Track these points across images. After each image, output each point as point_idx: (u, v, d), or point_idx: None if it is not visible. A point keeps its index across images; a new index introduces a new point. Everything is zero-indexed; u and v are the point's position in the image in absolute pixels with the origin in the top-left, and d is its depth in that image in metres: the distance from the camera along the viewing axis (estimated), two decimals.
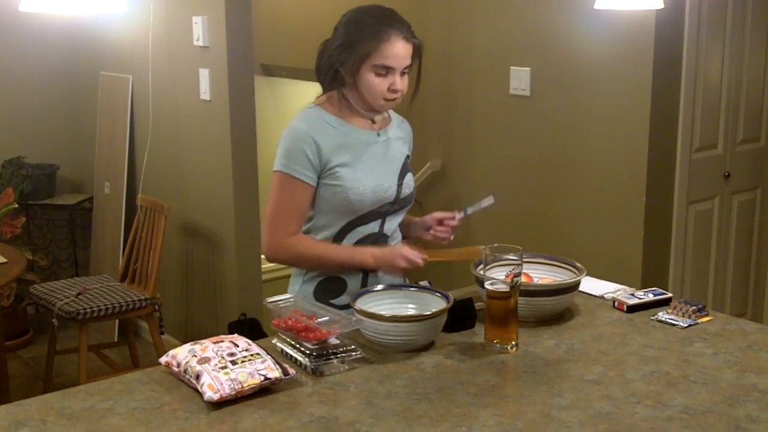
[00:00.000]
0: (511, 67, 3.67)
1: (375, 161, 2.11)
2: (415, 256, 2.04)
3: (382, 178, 2.10)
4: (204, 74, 3.74)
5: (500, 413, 1.57)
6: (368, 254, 2.07)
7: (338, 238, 2.11)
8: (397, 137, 2.20)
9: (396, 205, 2.14)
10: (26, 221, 4.38)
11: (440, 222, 2.19)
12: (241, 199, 3.75)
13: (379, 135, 2.15)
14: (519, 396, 1.65)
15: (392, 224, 2.16)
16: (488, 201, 2.16)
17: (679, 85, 3.37)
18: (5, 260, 3.34)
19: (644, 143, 3.27)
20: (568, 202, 3.56)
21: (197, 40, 3.73)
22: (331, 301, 2.10)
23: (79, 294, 3.62)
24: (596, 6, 2.47)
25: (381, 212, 2.12)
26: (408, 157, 2.22)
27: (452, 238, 2.19)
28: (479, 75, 3.86)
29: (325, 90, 2.15)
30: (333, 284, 2.12)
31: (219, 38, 3.63)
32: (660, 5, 2.51)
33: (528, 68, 3.61)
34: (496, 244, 1.89)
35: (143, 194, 4.03)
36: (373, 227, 2.12)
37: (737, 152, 3.74)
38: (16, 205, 4.12)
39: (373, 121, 2.15)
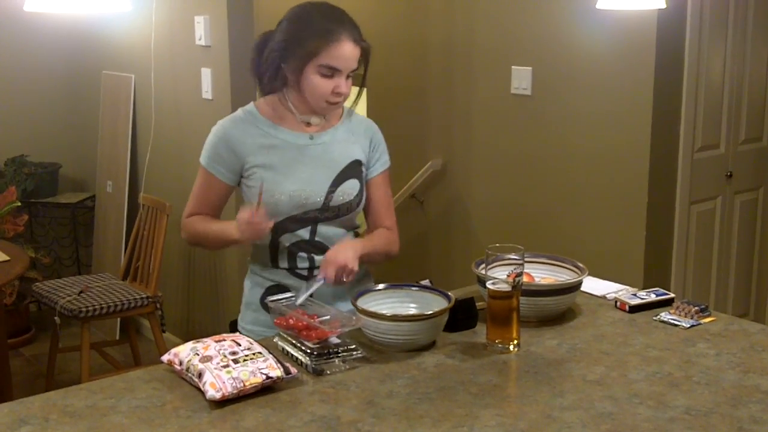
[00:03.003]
0: (513, 67, 3.67)
1: (301, 165, 2.03)
2: (250, 220, 1.90)
3: (305, 183, 2.02)
4: (206, 73, 3.74)
5: (502, 413, 1.57)
6: (233, 229, 1.97)
7: (272, 243, 2.06)
8: (342, 140, 2.10)
9: (327, 212, 2.05)
10: (29, 219, 4.39)
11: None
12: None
13: (312, 138, 2.07)
14: (521, 396, 1.64)
15: (327, 232, 2.07)
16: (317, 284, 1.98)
17: (681, 85, 3.37)
18: (8, 258, 3.34)
19: (646, 143, 3.27)
20: (570, 201, 3.56)
21: (199, 39, 3.73)
22: None
23: (81, 292, 3.63)
24: (598, 6, 2.47)
25: (307, 219, 2.04)
26: (357, 161, 2.09)
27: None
28: (480, 74, 3.85)
29: (260, 86, 2.11)
30: (277, 291, 2.06)
31: (221, 38, 3.63)
32: (662, 5, 2.51)
33: (529, 68, 3.60)
34: (497, 244, 1.89)
35: (145, 193, 4.04)
36: (302, 234, 2.05)
37: (739, 152, 3.73)
38: (19, 204, 4.13)
39: (308, 124, 2.08)
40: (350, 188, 2.07)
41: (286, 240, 2.06)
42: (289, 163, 2.03)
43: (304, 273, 2.07)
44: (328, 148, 2.08)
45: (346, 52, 1.95)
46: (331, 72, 1.96)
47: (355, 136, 2.13)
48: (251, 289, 2.15)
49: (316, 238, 2.07)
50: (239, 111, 2.11)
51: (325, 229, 2.07)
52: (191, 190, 2.14)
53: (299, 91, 2.01)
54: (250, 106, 2.11)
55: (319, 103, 2.00)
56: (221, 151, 2.05)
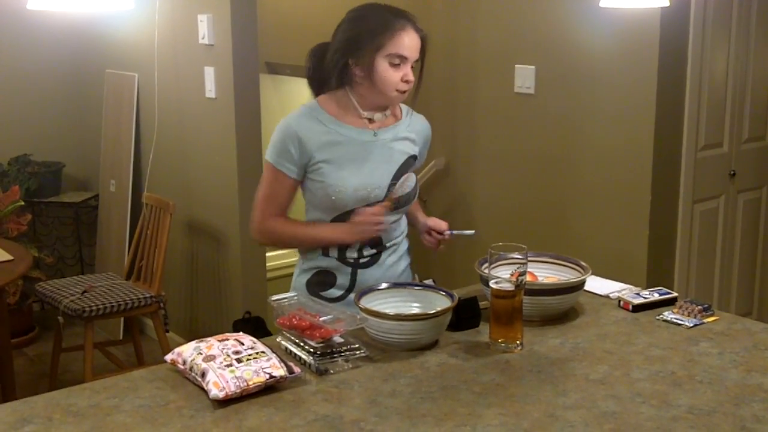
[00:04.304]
0: (516, 66, 3.67)
1: (364, 160, 2.11)
2: (372, 215, 2.08)
3: (369, 177, 2.11)
4: (209, 72, 3.74)
5: (505, 412, 1.57)
6: (340, 232, 2.12)
7: None
8: (401, 137, 2.19)
9: None
10: (32, 219, 4.39)
11: (429, 232, 2.25)
12: (246, 197, 3.74)
13: (375, 134, 2.15)
14: (524, 395, 1.65)
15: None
16: (469, 233, 2.29)
17: (685, 84, 3.37)
18: (11, 257, 3.34)
19: (649, 142, 3.27)
20: (573, 200, 3.56)
21: (202, 38, 3.73)
22: (321, 293, 2.15)
23: (84, 291, 3.63)
24: (601, 4, 2.47)
25: None
26: (413, 157, 2.21)
27: (439, 248, 2.28)
28: (483, 73, 3.85)
29: (315, 92, 2.18)
30: (324, 277, 2.17)
31: (224, 36, 3.63)
32: (665, 3, 2.51)
33: (533, 66, 3.60)
34: (501, 243, 1.89)
35: (149, 192, 4.04)
36: None
37: (743, 151, 3.73)
38: (22, 203, 4.13)
39: (371, 120, 2.15)
40: (409, 182, 2.18)
41: None
42: (353, 159, 2.11)
43: (351, 261, 2.16)
44: (389, 144, 2.16)
45: (412, 40, 2.06)
46: (399, 60, 2.05)
47: (414, 133, 2.23)
48: (299, 275, 2.23)
49: None
50: (302, 107, 2.16)
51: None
52: (260, 192, 2.17)
53: (370, 83, 2.08)
54: (313, 102, 2.16)
55: (390, 92, 2.08)
56: (289, 147, 2.09)
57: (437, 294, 1.96)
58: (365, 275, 2.16)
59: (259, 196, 2.18)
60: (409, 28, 2.06)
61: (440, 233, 2.24)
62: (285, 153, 2.09)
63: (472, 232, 2.29)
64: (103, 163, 4.58)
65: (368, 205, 2.11)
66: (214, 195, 3.90)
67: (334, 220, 2.13)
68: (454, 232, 2.25)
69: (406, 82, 2.07)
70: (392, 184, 2.14)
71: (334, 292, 2.16)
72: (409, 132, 2.22)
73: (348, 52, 2.07)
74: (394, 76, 2.06)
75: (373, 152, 2.13)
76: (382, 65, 2.05)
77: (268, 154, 2.13)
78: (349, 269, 2.16)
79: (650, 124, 3.25)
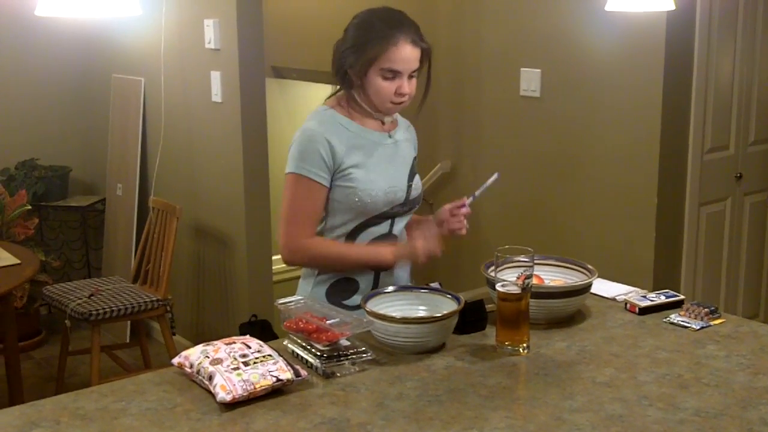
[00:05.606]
0: (522, 69, 3.67)
1: (386, 162, 2.12)
2: (433, 248, 2.06)
3: (393, 179, 2.11)
4: (215, 77, 3.75)
5: (511, 415, 1.57)
6: (387, 252, 2.09)
7: (350, 238, 2.11)
8: (404, 139, 2.21)
9: (405, 206, 2.15)
10: (39, 223, 4.40)
11: (452, 213, 2.14)
12: (252, 201, 3.76)
13: (390, 136, 2.16)
14: (530, 398, 1.65)
15: (401, 225, 2.17)
16: (493, 178, 2.12)
17: (691, 86, 3.37)
18: (18, 261, 3.35)
19: (655, 145, 3.27)
20: (579, 203, 3.55)
21: (209, 42, 3.75)
22: (344, 302, 2.11)
23: (91, 295, 3.64)
24: (607, 8, 2.47)
25: (391, 213, 2.12)
26: (415, 158, 2.23)
27: (467, 226, 2.14)
28: (489, 76, 3.85)
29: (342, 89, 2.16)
30: (345, 285, 2.13)
31: (230, 41, 3.64)
32: (671, 6, 2.51)
33: (538, 70, 3.60)
34: (507, 246, 1.89)
35: (155, 196, 4.05)
36: (383, 228, 2.13)
37: (749, 153, 3.73)
38: (29, 207, 4.15)
39: (383, 122, 2.15)
40: (419, 182, 2.21)
41: (367, 236, 2.11)
42: (378, 162, 2.10)
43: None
44: (400, 146, 2.18)
45: (405, 54, 2.02)
46: (392, 74, 2.03)
47: (409, 134, 2.25)
48: (315, 286, 2.15)
49: (393, 231, 2.14)
50: (318, 113, 2.11)
51: (399, 222, 2.16)
52: (286, 209, 2.06)
53: (366, 93, 2.08)
54: (325, 108, 2.13)
55: (385, 104, 2.07)
56: (321, 153, 2.03)
57: (443, 297, 1.96)
58: (387, 277, 2.14)
59: (287, 213, 2.07)
60: (404, 41, 2.00)
61: (461, 206, 2.12)
62: (316, 160, 2.03)
63: (496, 176, 2.11)
64: (110, 167, 4.59)
65: (393, 208, 2.10)
66: (220, 199, 3.91)
67: (359, 226, 2.10)
68: (477, 192, 2.11)
69: (400, 94, 2.04)
70: (409, 186, 2.14)
71: (358, 299, 2.09)
72: (407, 135, 2.24)
73: (346, 62, 2.06)
74: (388, 89, 2.03)
75: (391, 154, 2.14)
76: (375, 78, 2.03)
77: (294, 167, 2.05)
78: (372, 273, 2.13)
79: (656, 127, 3.25)
